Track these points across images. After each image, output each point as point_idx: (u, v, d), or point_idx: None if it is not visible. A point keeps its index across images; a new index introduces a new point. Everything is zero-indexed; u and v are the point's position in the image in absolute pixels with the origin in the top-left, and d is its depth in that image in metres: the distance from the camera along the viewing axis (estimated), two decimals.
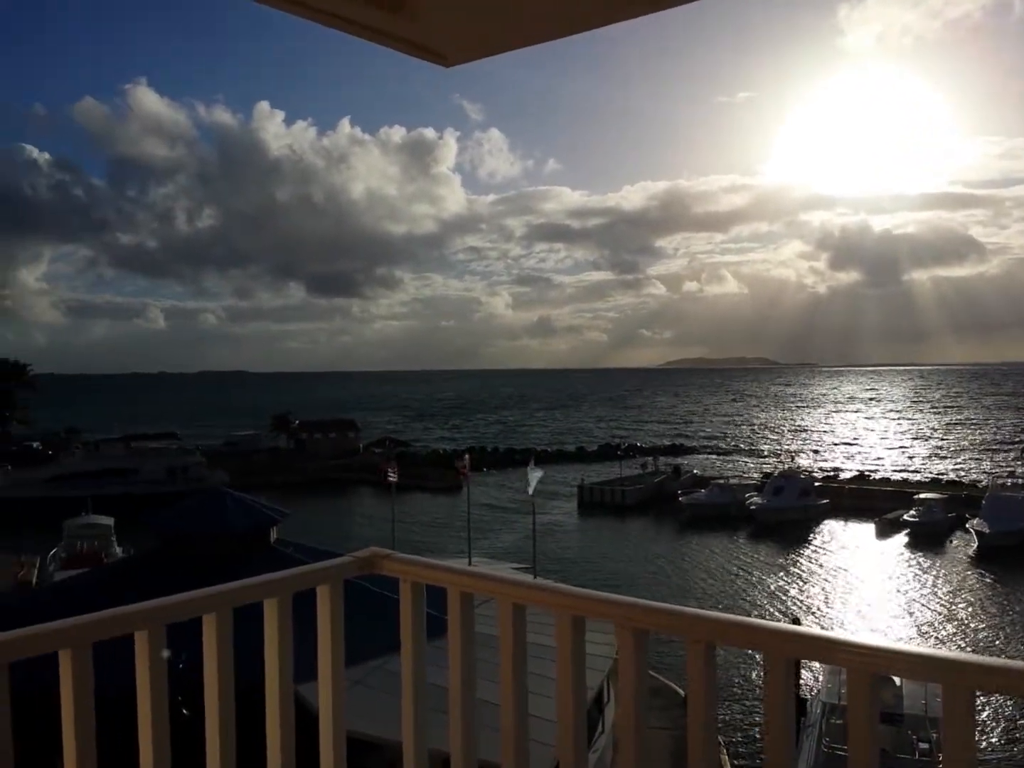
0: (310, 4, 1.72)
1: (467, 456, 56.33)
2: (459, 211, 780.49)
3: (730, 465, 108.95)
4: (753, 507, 68.14)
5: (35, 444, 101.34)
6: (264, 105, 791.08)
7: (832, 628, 40.73)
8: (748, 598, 47.44)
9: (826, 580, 51.11)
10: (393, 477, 49.73)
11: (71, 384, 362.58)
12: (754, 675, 31.03)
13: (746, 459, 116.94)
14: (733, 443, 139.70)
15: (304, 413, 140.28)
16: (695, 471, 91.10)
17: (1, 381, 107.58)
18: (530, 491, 41.95)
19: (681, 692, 27.17)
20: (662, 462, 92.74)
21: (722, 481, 79.80)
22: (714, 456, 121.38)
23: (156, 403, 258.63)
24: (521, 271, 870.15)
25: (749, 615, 42.44)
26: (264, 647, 2.61)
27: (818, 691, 25.85)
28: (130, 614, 2.29)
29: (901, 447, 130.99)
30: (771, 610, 44.72)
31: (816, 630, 2.20)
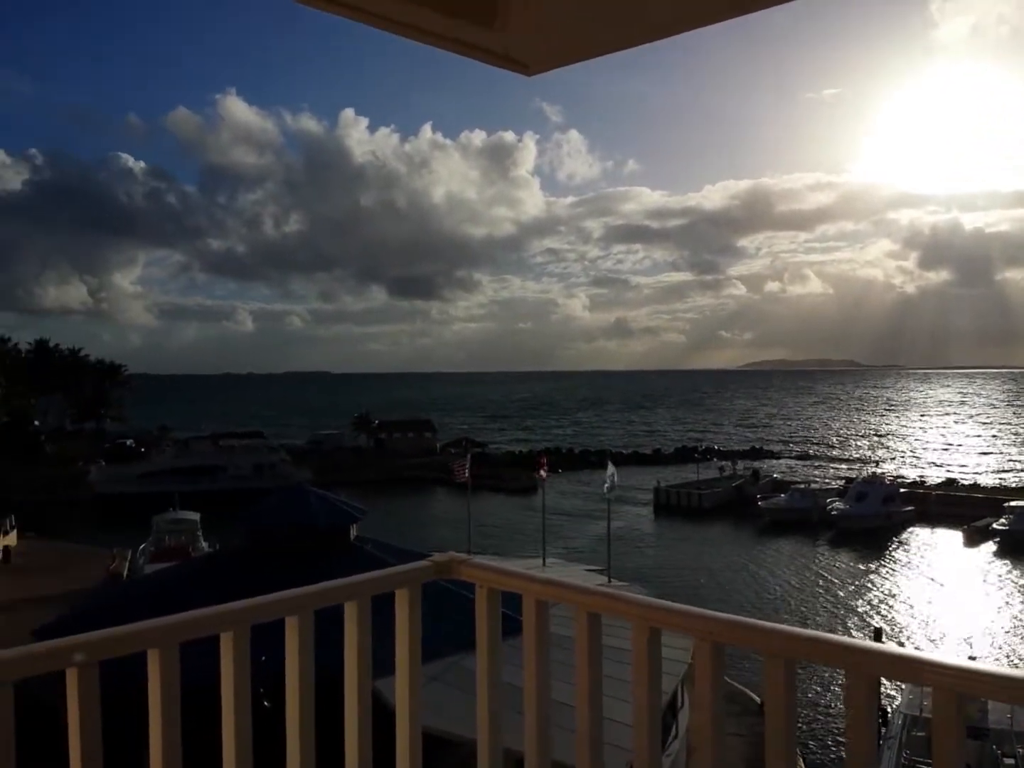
0: (402, 21, 1.79)
1: (543, 457, 56.39)
2: (537, 213, 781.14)
3: (811, 470, 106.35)
4: (834, 513, 66.39)
5: (129, 441, 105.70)
6: (349, 112, 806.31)
7: (916, 643, 39.41)
8: (828, 608, 46.21)
9: (910, 591, 49.42)
10: (466, 477, 50.06)
11: (163, 384, 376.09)
12: (834, 686, 30.23)
13: (828, 464, 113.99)
14: (815, 447, 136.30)
15: (384, 413, 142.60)
16: (775, 475, 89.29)
17: (98, 381, 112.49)
18: (606, 493, 41.71)
19: (756, 699, 26.70)
20: (740, 465, 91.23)
21: (803, 486, 77.97)
22: (794, 460, 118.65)
23: (244, 402, 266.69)
24: (598, 273, 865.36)
25: (829, 626, 41.49)
26: (344, 647, 2.66)
27: (899, 702, 25.11)
28: (217, 615, 2.37)
29: (991, 452, 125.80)
30: (852, 621, 43.48)
31: (899, 648, 2.15)
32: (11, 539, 55.97)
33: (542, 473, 50.05)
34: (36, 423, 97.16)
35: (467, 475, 49.79)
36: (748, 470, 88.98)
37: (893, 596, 48.34)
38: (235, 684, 2.37)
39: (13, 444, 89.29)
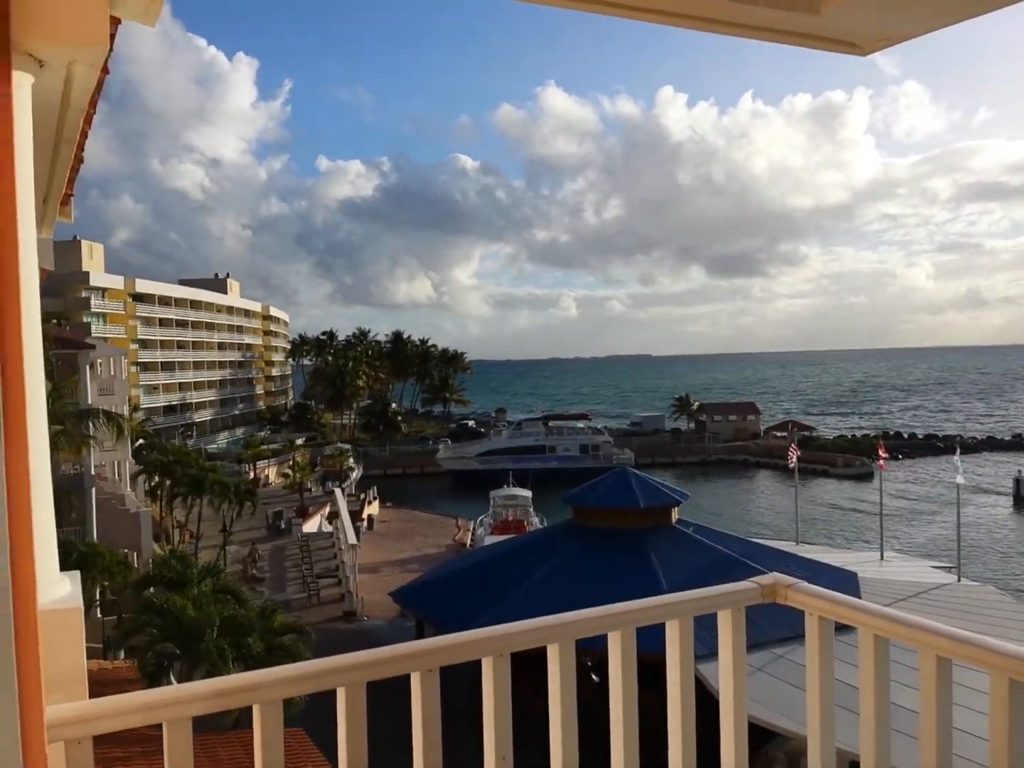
0: (729, 20, 1.81)
1: (880, 441, 52.26)
2: (872, 176, 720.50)
3: None
4: None
5: (470, 422, 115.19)
6: (667, 90, 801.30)
7: None
8: None
9: None
10: (794, 462, 47.83)
11: (499, 369, 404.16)
12: None
13: None
14: None
15: (704, 395, 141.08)
16: None
17: (443, 367, 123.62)
18: (958, 481, 37.62)
19: None
20: None
21: None
22: None
23: (571, 385, 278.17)
24: (946, 238, 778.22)
25: None
26: (666, 659, 2.67)
27: None
28: (545, 627, 2.47)
29: None
30: None
31: None
32: (374, 508, 63.68)
33: (880, 460, 46.29)
34: (394, 406, 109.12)
35: (794, 459, 47.55)
36: None
37: None
38: (562, 696, 2.47)
39: (374, 424, 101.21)
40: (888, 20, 1.84)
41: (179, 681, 19.67)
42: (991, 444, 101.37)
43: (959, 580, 33.30)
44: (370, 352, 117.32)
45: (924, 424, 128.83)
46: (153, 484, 48.26)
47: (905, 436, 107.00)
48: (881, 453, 46.51)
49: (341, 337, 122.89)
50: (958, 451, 46.25)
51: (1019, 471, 75.36)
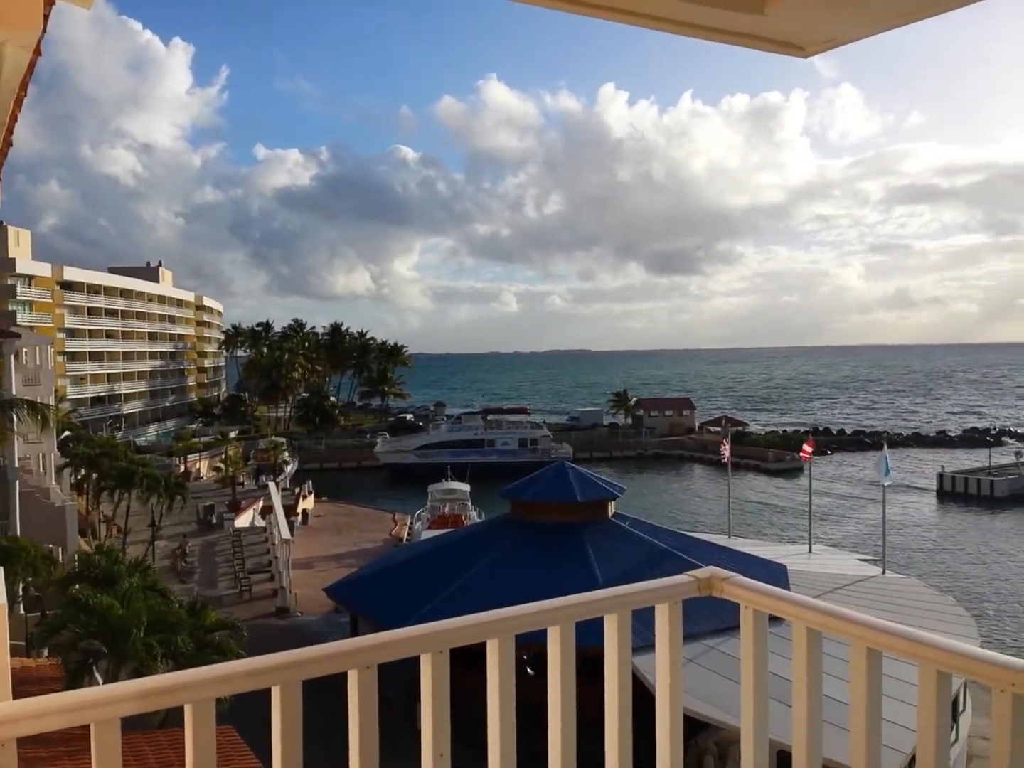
0: (672, 19, 1.81)
1: (811, 437, 53.61)
2: (807, 178, 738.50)
3: None
4: None
5: (409, 416, 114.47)
6: (609, 87, 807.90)
7: None
8: None
9: None
10: (727, 457, 48.74)
11: (439, 362, 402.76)
12: None
13: None
14: None
15: (642, 391, 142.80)
16: None
17: (382, 360, 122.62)
18: (883, 478, 38.80)
19: None
20: None
21: None
22: None
23: (510, 380, 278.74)
24: (876, 239, 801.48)
25: None
26: (604, 651, 2.67)
27: None
28: (484, 623, 2.45)
29: None
30: None
31: None
32: (309, 503, 62.88)
33: (806, 453, 47.50)
34: (331, 399, 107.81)
35: (727, 455, 48.46)
36: None
37: None
38: (500, 689, 2.46)
39: (311, 417, 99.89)
40: (831, 23, 1.86)
41: (105, 680, 19.17)
42: (917, 440, 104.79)
43: (884, 572, 34.35)
44: (307, 344, 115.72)
45: (853, 420, 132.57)
46: (80, 477, 46.90)
47: (834, 432, 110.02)
48: (806, 447, 47.69)
49: (277, 328, 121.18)
50: (885, 447, 47.73)
51: (942, 467, 78.16)
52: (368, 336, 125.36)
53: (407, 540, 50.30)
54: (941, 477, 74.83)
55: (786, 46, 1.90)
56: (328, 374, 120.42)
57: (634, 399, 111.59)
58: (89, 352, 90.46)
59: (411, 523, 54.25)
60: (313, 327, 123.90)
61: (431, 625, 2.38)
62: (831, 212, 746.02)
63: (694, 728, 20.20)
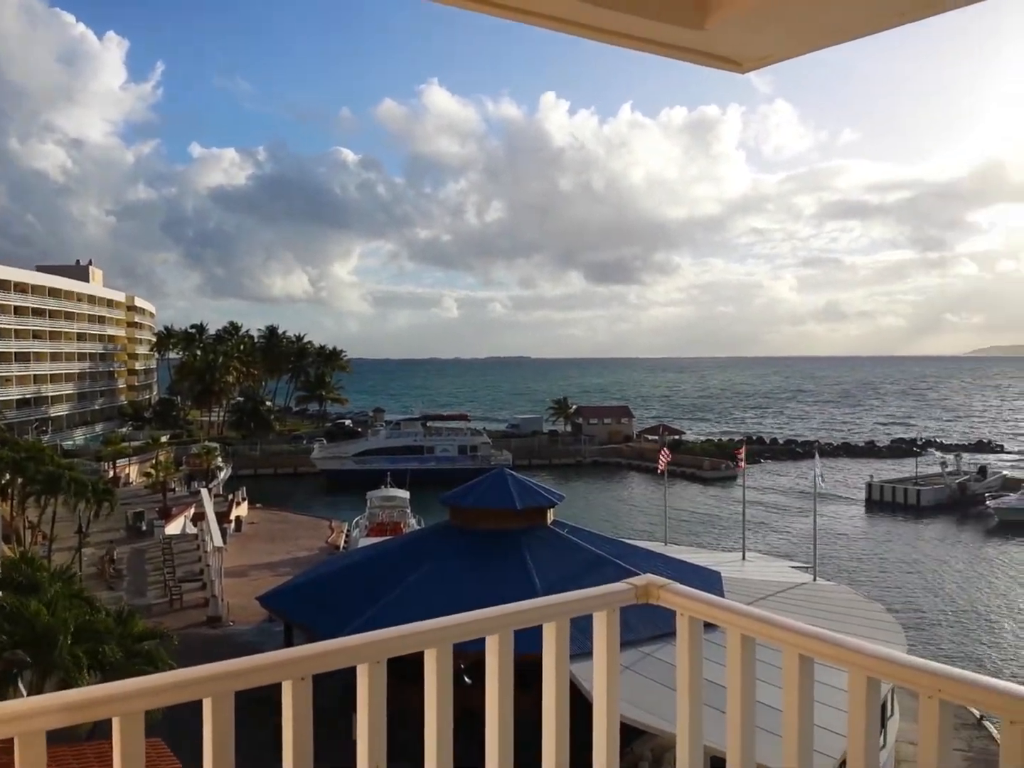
0: (611, 29, 1.82)
1: (744, 446, 54.64)
2: (742, 191, 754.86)
3: None
4: None
5: (347, 422, 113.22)
6: (550, 96, 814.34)
7: None
8: None
9: None
10: (664, 465, 49.35)
11: (378, 368, 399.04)
12: None
13: None
14: None
15: (581, 399, 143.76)
16: (1005, 472, 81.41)
17: (320, 365, 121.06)
18: (815, 486, 39.72)
19: (974, 712, 24.70)
20: (965, 460, 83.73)
21: None
22: None
23: (450, 386, 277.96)
24: (809, 252, 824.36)
25: None
26: (543, 658, 2.66)
27: None
28: (421, 632, 2.42)
29: None
30: None
31: None
32: (242, 509, 61.61)
33: (740, 462, 48.46)
34: (267, 403, 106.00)
35: (664, 463, 49.10)
36: (974, 466, 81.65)
37: None
38: (438, 701, 2.43)
39: (245, 422, 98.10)
40: (769, 40, 1.90)
41: (29, 692, 18.49)
42: (847, 450, 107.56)
43: (815, 579, 35.16)
44: (242, 347, 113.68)
45: (785, 430, 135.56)
46: (3, 482, 45.30)
47: (767, 441, 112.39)
48: (740, 456, 48.65)
49: (211, 331, 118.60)
50: (817, 456, 48.94)
51: (871, 476, 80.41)
52: (306, 340, 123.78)
53: (344, 548, 49.67)
54: (870, 486, 76.94)
55: (724, 61, 1.93)
56: (264, 378, 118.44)
57: (574, 407, 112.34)
58: (15, 352, 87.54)
59: (349, 531, 53.59)
60: (248, 330, 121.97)
61: (368, 635, 2.34)
62: (765, 225, 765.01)
63: (630, 735, 20.36)
